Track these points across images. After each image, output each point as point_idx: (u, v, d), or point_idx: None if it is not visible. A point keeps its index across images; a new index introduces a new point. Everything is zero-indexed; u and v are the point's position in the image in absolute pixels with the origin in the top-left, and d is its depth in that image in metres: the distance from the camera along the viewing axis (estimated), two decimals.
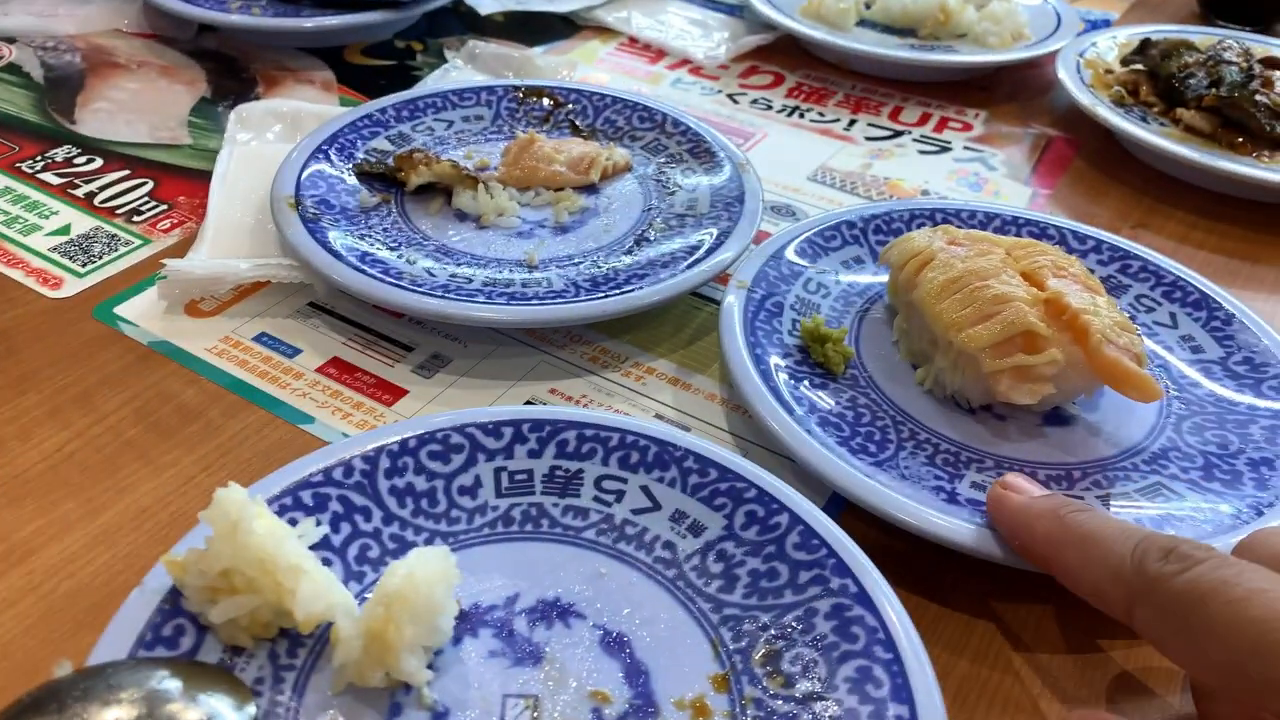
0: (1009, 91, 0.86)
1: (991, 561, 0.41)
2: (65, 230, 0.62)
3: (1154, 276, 0.57)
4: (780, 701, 0.36)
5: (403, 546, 0.40)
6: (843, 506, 0.45)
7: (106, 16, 0.87)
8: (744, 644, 0.38)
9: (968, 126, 0.80)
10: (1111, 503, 0.44)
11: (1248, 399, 0.50)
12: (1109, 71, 0.81)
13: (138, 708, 0.31)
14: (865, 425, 0.47)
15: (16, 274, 0.58)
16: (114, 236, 0.61)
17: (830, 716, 0.35)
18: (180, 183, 0.67)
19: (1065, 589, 0.38)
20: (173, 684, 0.33)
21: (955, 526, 0.41)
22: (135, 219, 0.63)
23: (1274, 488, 0.44)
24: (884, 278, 0.56)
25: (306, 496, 0.40)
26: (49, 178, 0.66)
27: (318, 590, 0.35)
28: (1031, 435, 0.48)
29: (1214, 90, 0.73)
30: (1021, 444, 0.47)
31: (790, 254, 0.56)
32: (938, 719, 0.34)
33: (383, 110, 0.68)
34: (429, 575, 0.35)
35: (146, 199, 0.65)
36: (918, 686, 0.35)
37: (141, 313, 0.56)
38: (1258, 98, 0.72)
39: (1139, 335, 0.47)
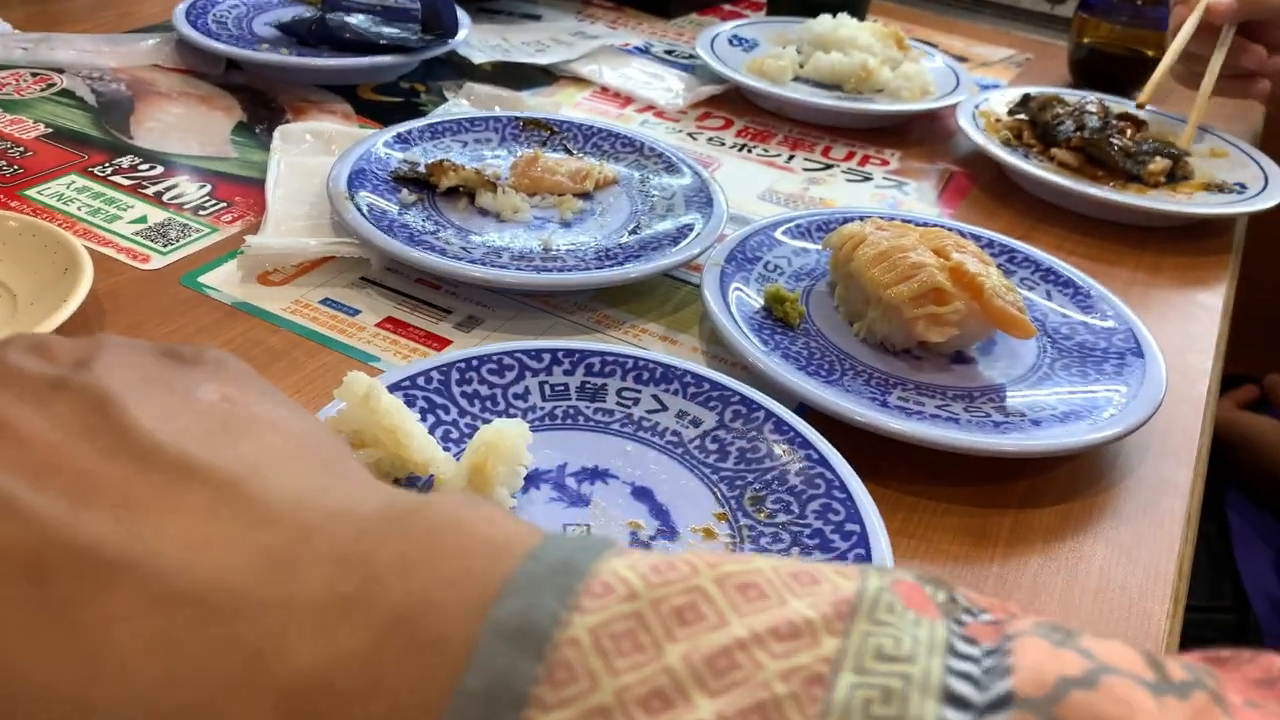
0: (918, 136, 1.04)
1: (911, 449, 0.55)
2: (143, 220, 0.73)
3: (1033, 264, 0.74)
4: (766, 526, 0.49)
5: (476, 431, 0.53)
6: (801, 415, 0.59)
7: (144, 55, 0.99)
8: (736, 493, 0.51)
9: (885, 162, 0.97)
10: (1005, 408, 0.59)
11: (1101, 345, 0.66)
12: (998, 120, 0.99)
13: None
14: (816, 360, 0.62)
15: (110, 251, 0.69)
16: (186, 226, 0.73)
17: (804, 534, 0.48)
18: (234, 186, 0.79)
19: (966, 474, 0.52)
20: None
21: (886, 420, 0.55)
22: (201, 213, 0.75)
23: (1121, 398, 0.60)
24: (825, 264, 0.71)
25: (399, 395, 0.53)
26: (119, 179, 0.78)
27: (427, 445, 0.47)
28: (941, 370, 0.63)
29: (1079, 133, 0.91)
30: (934, 376, 0.62)
31: (752, 243, 0.71)
32: (880, 533, 0.48)
33: (409, 131, 0.81)
34: (512, 433, 0.48)
35: (208, 198, 0.77)
36: (865, 513, 0.49)
37: (221, 281, 0.67)
38: (1113, 140, 0.90)
39: (1019, 294, 0.63)
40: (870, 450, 0.57)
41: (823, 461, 0.51)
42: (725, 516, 0.50)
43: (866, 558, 0.46)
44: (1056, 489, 0.58)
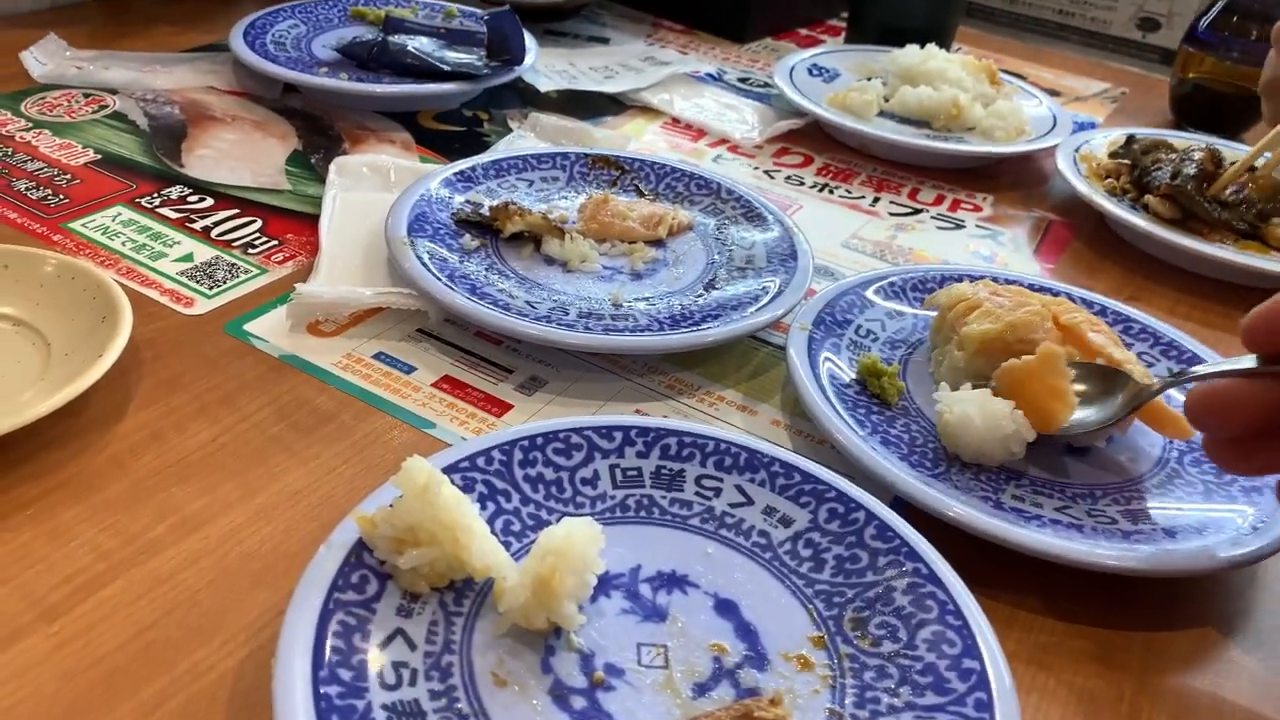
0: (1011, 180, 0.97)
1: (1028, 558, 0.48)
2: (189, 258, 0.69)
3: (1152, 337, 0.67)
4: (870, 657, 0.43)
5: (538, 523, 0.47)
6: (900, 513, 0.53)
7: (200, 75, 0.96)
8: (835, 613, 0.45)
9: (978, 208, 0.90)
10: (1133, 512, 0.52)
11: None
12: (1099, 165, 0.92)
13: None
14: (919, 446, 0.55)
15: (152, 293, 0.65)
16: (234, 265, 0.69)
17: (914, 669, 0.42)
18: (286, 222, 0.75)
19: (1089, 588, 0.45)
20: None
21: (1003, 528, 0.49)
22: (250, 251, 0.70)
23: (1262, 506, 0.53)
24: (922, 332, 0.65)
25: (457, 478, 0.47)
26: (167, 212, 0.74)
27: (488, 547, 0.42)
28: (1058, 462, 0.56)
29: (1169, 181, 0.83)
30: (1051, 468, 0.55)
31: (843, 304, 0.65)
32: (1003, 671, 0.41)
33: (472, 168, 0.76)
34: (583, 537, 0.42)
35: (258, 234, 0.73)
36: (985, 647, 0.42)
37: (268, 330, 0.63)
38: (1201, 186, 0.82)
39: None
40: (980, 553, 0.50)
41: (934, 578, 0.45)
42: (823, 642, 0.43)
43: (987, 705, 0.40)
44: (1190, 607, 0.51)
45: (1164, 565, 0.48)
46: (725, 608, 0.45)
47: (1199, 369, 0.52)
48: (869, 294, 0.67)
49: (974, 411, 0.53)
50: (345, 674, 0.38)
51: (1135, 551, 0.49)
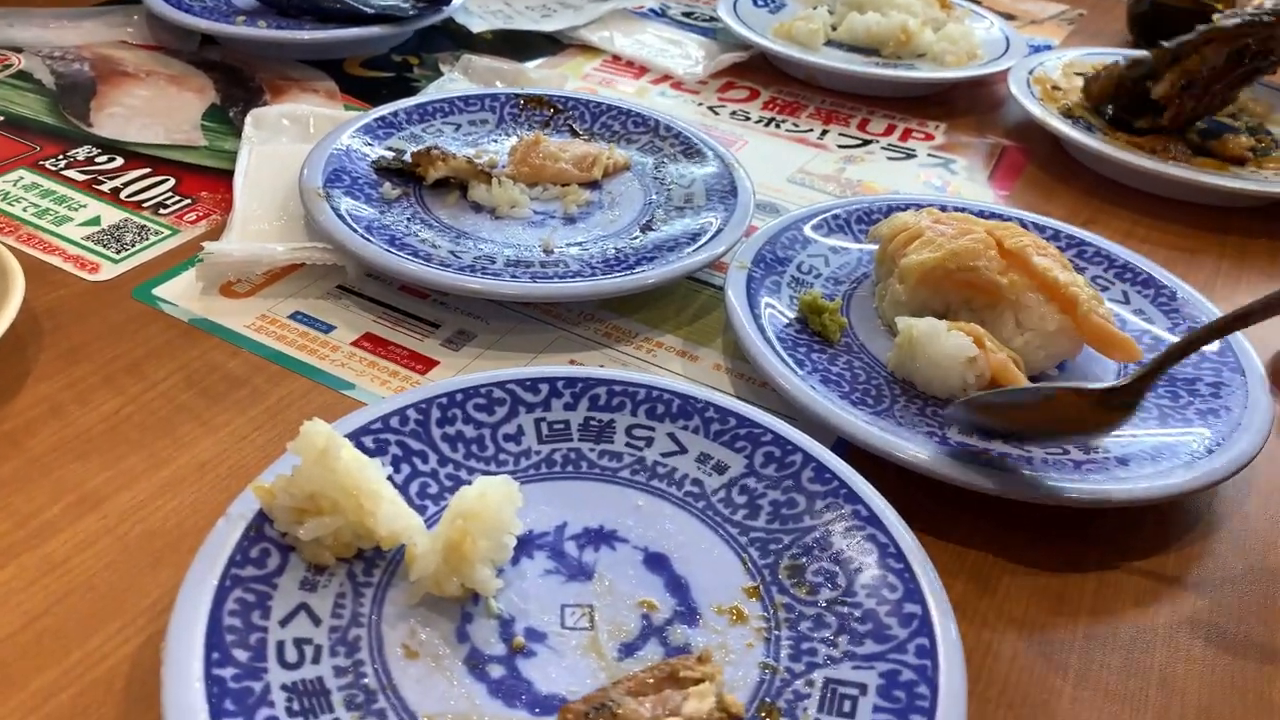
0: (964, 106, 0.93)
1: (978, 495, 0.46)
2: (96, 221, 0.65)
3: (1106, 260, 0.64)
4: (807, 606, 0.40)
5: (458, 484, 0.44)
6: (842, 453, 0.50)
7: (109, 29, 0.91)
8: (770, 560, 0.42)
9: (929, 136, 0.87)
10: (1084, 444, 0.50)
11: (1193, 360, 0.56)
12: (1055, 87, 0.89)
13: None
14: (862, 384, 0.53)
15: (55, 259, 0.61)
16: (143, 227, 0.65)
17: (853, 616, 0.40)
18: (200, 180, 0.71)
19: (1040, 522, 0.43)
20: None
21: (948, 465, 0.46)
22: (161, 211, 0.67)
23: (1218, 427, 0.51)
24: (866, 267, 0.62)
25: (368, 441, 0.44)
26: (73, 174, 0.70)
27: (396, 512, 0.39)
28: None
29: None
30: None
31: (783, 240, 0.62)
32: (946, 614, 0.39)
33: (394, 113, 0.72)
34: (498, 497, 0.39)
35: (170, 194, 0.69)
36: (928, 590, 0.40)
37: (179, 294, 0.59)
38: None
39: (1107, 305, 0.53)
40: (926, 493, 0.48)
41: (873, 520, 0.43)
42: (757, 592, 0.41)
43: (930, 650, 0.38)
44: (1145, 537, 0.50)
45: (1116, 495, 0.46)
46: (655, 562, 0.42)
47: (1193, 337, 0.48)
48: (809, 229, 0.64)
49: (931, 335, 0.51)
50: (241, 654, 0.36)
51: (1087, 482, 0.47)
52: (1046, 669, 0.43)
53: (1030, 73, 0.89)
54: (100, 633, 0.40)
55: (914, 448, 0.47)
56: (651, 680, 0.36)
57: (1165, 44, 0.81)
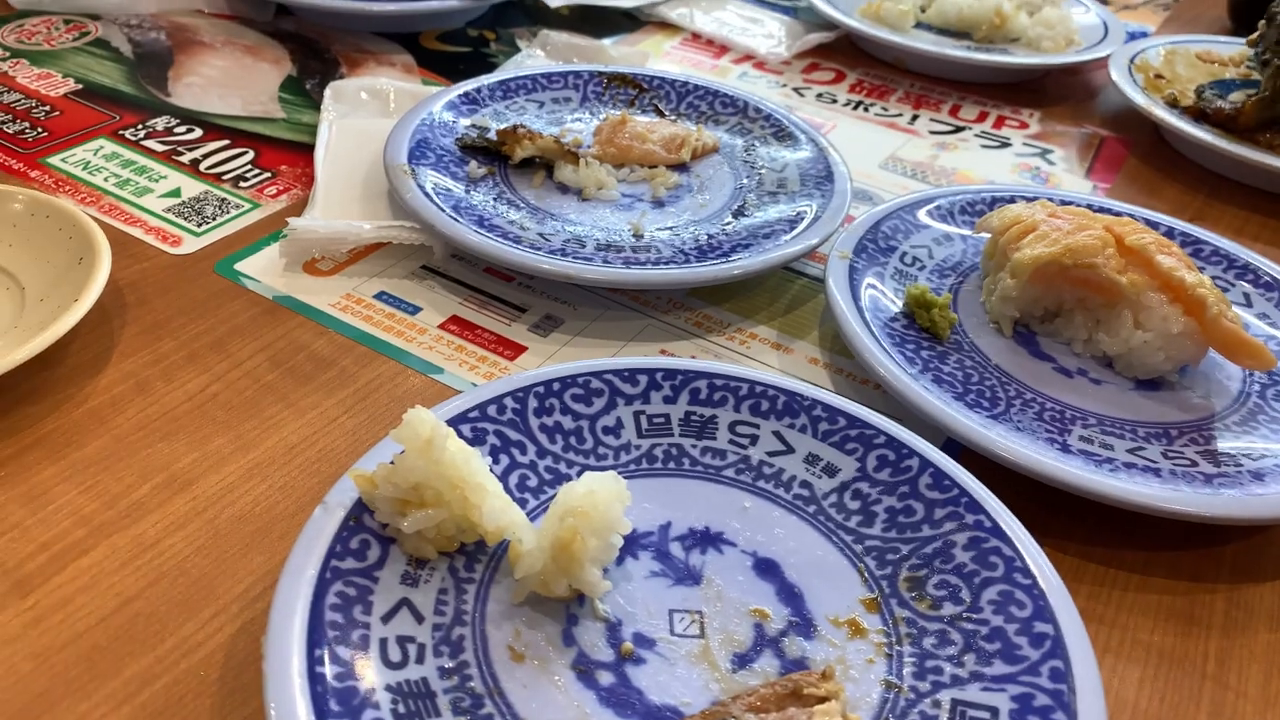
0: (1059, 94, 0.90)
1: (1097, 504, 0.44)
2: (176, 193, 0.64)
3: (1225, 259, 0.61)
4: (929, 621, 0.38)
5: (558, 478, 0.43)
6: (951, 455, 0.48)
7: None
8: (888, 571, 0.40)
9: (1024, 125, 0.84)
10: (1214, 453, 0.47)
11: None
12: (1157, 76, 0.85)
13: None
14: (975, 384, 0.50)
15: (136, 231, 0.60)
16: (224, 200, 0.64)
17: (979, 634, 0.37)
18: (280, 153, 0.69)
19: (1165, 536, 0.40)
20: None
21: (1073, 472, 0.44)
22: (241, 184, 0.65)
23: None
24: (973, 259, 0.59)
25: (466, 430, 0.43)
26: (153, 145, 0.68)
27: (502, 506, 0.37)
28: (1126, 398, 0.51)
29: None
30: (1119, 406, 0.50)
31: (885, 230, 0.59)
32: (1081, 636, 0.36)
33: (478, 89, 0.71)
34: (606, 495, 0.37)
35: (250, 167, 0.67)
36: (1058, 607, 0.37)
37: (262, 269, 0.58)
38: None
39: (1235, 310, 0.50)
40: (1042, 501, 0.46)
41: (997, 532, 0.40)
42: (875, 605, 0.39)
43: (1064, 674, 0.35)
44: (1278, 554, 0.47)
45: (1253, 512, 0.43)
46: (765, 568, 0.40)
47: None
48: (917, 217, 0.61)
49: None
50: (345, 652, 0.34)
51: (1220, 497, 0.44)
52: (1179, 695, 0.40)
53: (1131, 60, 0.85)
54: (194, 619, 0.39)
55: (1037, 454, 0.44)
56: (773, 696, 0.34)
57: (1265, 59, 0.77)
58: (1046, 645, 0.36)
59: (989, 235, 0.57)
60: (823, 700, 0.34)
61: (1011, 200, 0.61)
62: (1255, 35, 0.81)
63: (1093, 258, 0.52)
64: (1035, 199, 0.59)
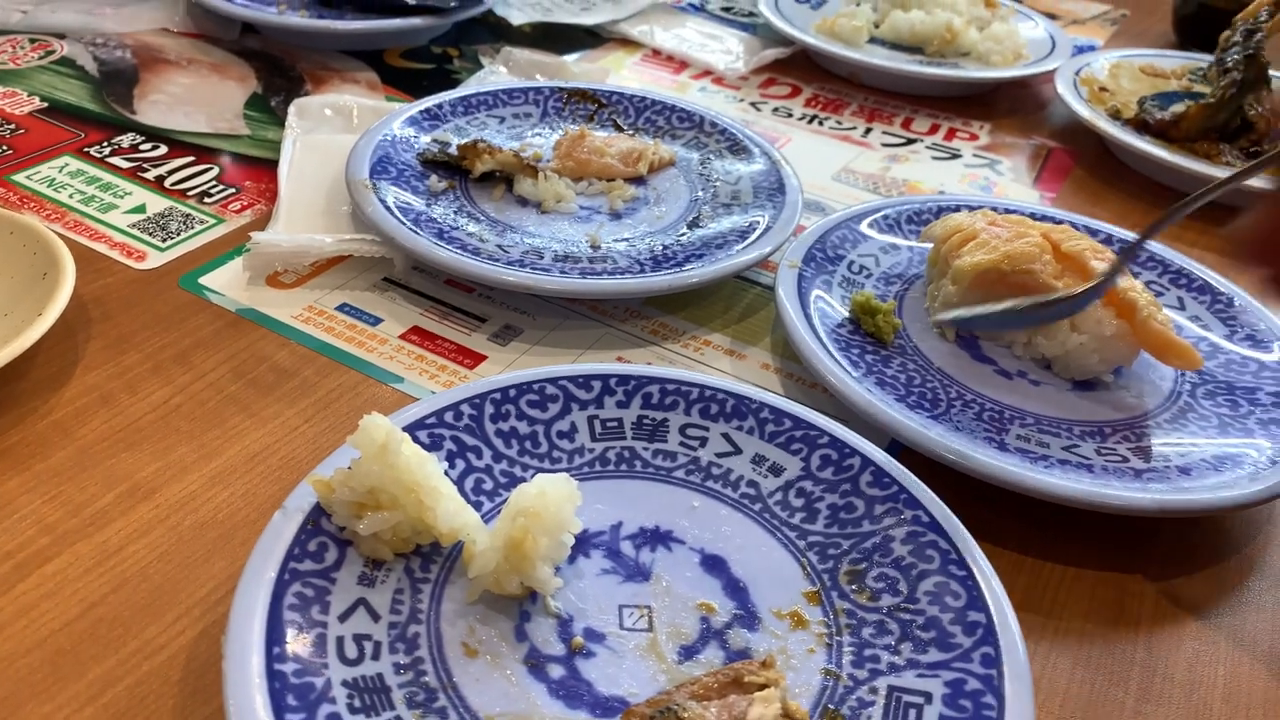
0: (1008, 106, 0.92)
1: (1035, 501, 0.46)
2: (141, 209, 0.65)
3: (1161, 265, 0.63)
4: (868, 612, 0.40)
5: (512, 481, 0.44)
6: (899, 458, 0.50)
7: (151, 16, 0.90)
8: (830, 565, 0.42)
9: (974, 136, 0.86)
10: (1145, 449, 0.49)
11: (1252, 369, 0.55)
12: (1102, 89, 0.87)
13: None
14: (917, 386, 0.52)
15: (101, 247, 0.61)
16: (189, 216, 0.65)
17: (915, 623, 0.39)
18: (244, 169, 0.70)
19: (1098, 530, 0.42)
20: None
21: (1009, 469, 0.46)
22: (206, 200, 0.66)
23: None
24: (918, 267, 0.61)
25: (423, 435, 0.44)
26: (118, 161, 0.69)
27: (456, 508, 0.39)
28: (1063, 398, 0.53)
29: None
30: (1056, 405, 0.52)
31: (833, 239, 0.61)
32: (1011, 623, 0.38)
33: (439, 105, 0.72)
34: (557, 495, 0.39)
35: (214, 183, 0.68)
36: (991, 598, 0.39)
37: (225, 283, 0.59)
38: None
39: (1165, 312, 0.52)
40: (982, 498, 0.47)
41: (935, 526, 0.42)
42: (817, 597, 0.41)
43: (994, 660, 0.37)
44: (1206, 546, 0.49)
45: (1180, 505, 0.45)
46: (713, 564, 0.42)
47: (1178, 206, 0.47)
48: (862, 227, 0.63)
49: None
50: (302, 650, 0.35)
51: (1149, 491, 0.46)
52: (1107, 682, 0.42)
53: (1077, 73, 0.88)
54: (156, 623, 0.40)
55: (974, 453, 0.46)
56: (715, 684, 0.36)
57: (1226, 67, 0.80)
58: (979, 633, 0.38)
59: (932, 244, 0.59)
60: (763, 687, 0.35)
61: (956, 209, 0.63)
62: (1225, 34, 0.83)
63: (1030, 263, 0.54)
64: (979, 208, 0.61)
